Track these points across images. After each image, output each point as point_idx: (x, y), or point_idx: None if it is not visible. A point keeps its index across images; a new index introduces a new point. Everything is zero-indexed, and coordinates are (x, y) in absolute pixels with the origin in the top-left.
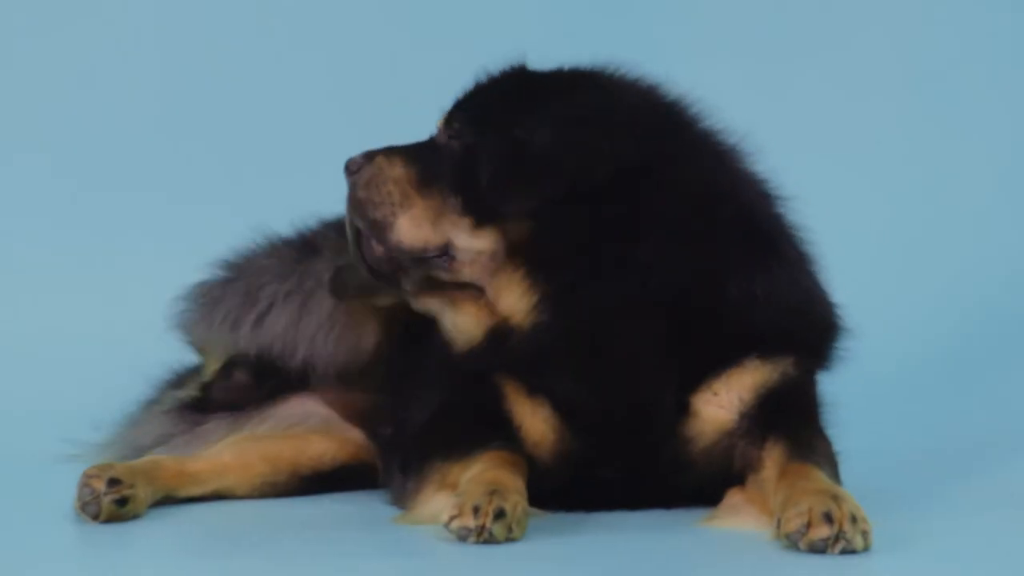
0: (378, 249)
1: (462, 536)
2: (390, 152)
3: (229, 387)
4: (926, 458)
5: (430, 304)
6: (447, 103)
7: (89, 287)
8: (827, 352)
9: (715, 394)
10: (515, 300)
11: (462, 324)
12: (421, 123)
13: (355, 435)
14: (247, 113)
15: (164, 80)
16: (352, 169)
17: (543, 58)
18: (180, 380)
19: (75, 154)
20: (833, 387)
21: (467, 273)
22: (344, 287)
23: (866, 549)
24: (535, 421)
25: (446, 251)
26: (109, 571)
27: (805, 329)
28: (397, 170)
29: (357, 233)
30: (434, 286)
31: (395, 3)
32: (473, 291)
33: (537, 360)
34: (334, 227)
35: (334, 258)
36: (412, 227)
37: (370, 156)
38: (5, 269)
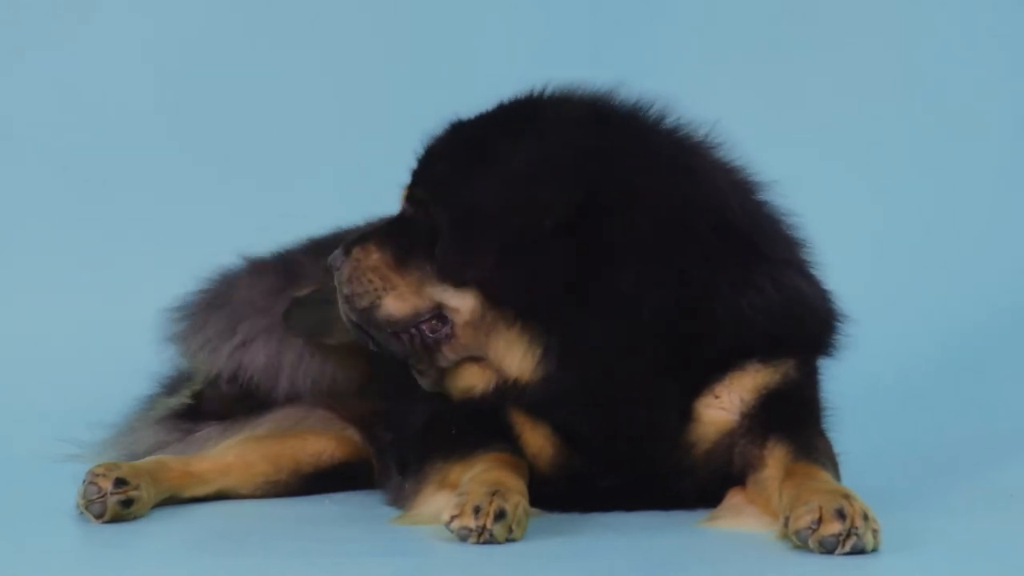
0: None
1: (462, 536)
2: (363, 240)
3: (216, 399)
4: (926, 459)
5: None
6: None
7: (89, 287)
8: (825, 343)
9: (717, 397)
10: (519, 359)
11: (465, 383)
12: (416, 128)
13: (353, 434)
14: (247, 116)
15: (165, 83)
16: (336, 267)
17: (543, 63)
18: (172, 387)
19: (76, 155)
20: (833, 389)
21: (468, 338)
22: (295, 323)
23: (875, 549)
24: (535, 436)
25: (439, 312)
26: (110, 571)
27: (799, 328)
28: (373, 257)
29: (355, 323)
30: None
31: (397, 6)
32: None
33: (543, 405)
34: (312, 250)
35: (309, 288)
36: (398, 301)
37: (347, 250)
38: (5, 269)
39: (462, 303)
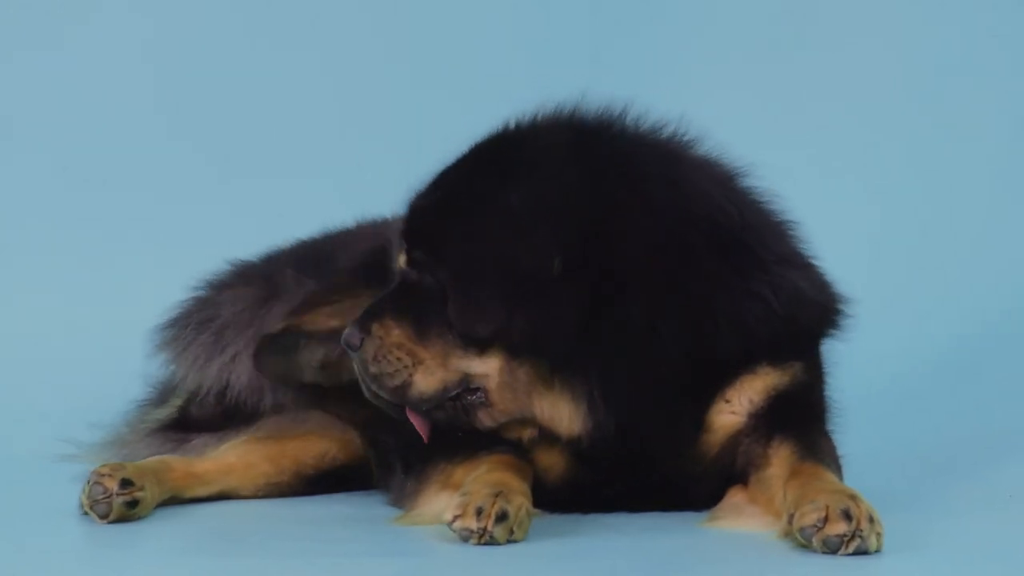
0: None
1: (464, 537)
2: (378, 315)
3: (203, 414)
4: (924, 460)
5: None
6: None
7: (89, 287)
8: (829, 332)
9: (727, 402)
10: (568, 418)
11: (506, 435)
12: (416, 128)
13: (353, 436)
14: (246, 116)
15: (165, 83)
16: (354, 345)
17: (543, 63)
18: (162, 396)
19: (76, 155)
20: (833, 390)
21: (507, 403)
22: (264, 365)
23: (878, 551)
24: (547, 454)
25: (467, 383)
26: (111, 571)
27: (802, 328)
28: (394, 333)
29: (374, 393)
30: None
31: (397, 6)
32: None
33: (589, 448)
34: (293, 261)
35: (286, 308)
36: (428, 377)
37: (364, 327)
38: (5, 269)
39: (487, 367)
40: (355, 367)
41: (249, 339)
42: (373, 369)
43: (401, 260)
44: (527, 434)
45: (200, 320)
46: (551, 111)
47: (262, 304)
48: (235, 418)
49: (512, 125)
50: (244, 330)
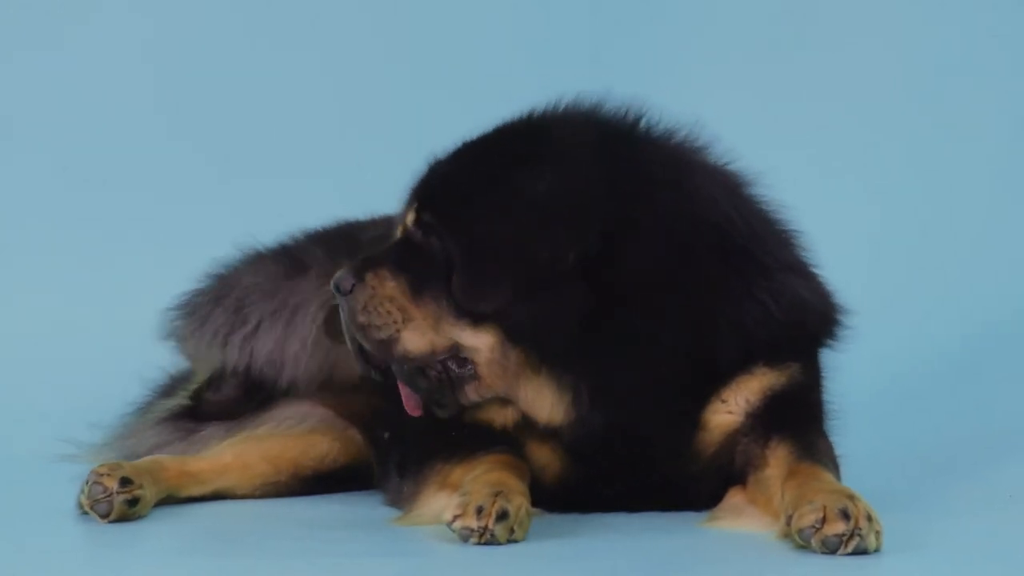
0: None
1: (464, 536)
2: (375, 265)
3: (220, 399)
4: (924, 460)
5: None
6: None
7: (89, 287)
8: (826, 340)
9: (724, 401)
10: (550, 406)
11: (487, 417)
12: (416, 128)
13: (355, 434)
14: (247, 116)
15: (165, 83)
16: (344, 290)
17: (543, 63)
18: (170, 388)
19: (76, 155)
20: (832, 390)
21: (495, 380)
22: (338, 330)
23: (877, 550)
24: (542, 451)
25: (456, 352)
26: (110, 571)
27: (801, 332)
28: (388, 285)
29: (360, 346)
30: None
31: (397, 6)
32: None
33: (573, 442)
34: (320, 241)
35: (321, 281)
36: (416, 337)
37: (359, 274)
38: (5, 269)
39: (479, 342)
40: (341, 314)
41: (270, 311)
42: (361, 319)
43: (409, 219)
44: (510, 416)
45: (217, 296)
46: (573, 104)
47: (287, 278)
48: (250, 403)
49: (537, 113)
50: (265, 300)
